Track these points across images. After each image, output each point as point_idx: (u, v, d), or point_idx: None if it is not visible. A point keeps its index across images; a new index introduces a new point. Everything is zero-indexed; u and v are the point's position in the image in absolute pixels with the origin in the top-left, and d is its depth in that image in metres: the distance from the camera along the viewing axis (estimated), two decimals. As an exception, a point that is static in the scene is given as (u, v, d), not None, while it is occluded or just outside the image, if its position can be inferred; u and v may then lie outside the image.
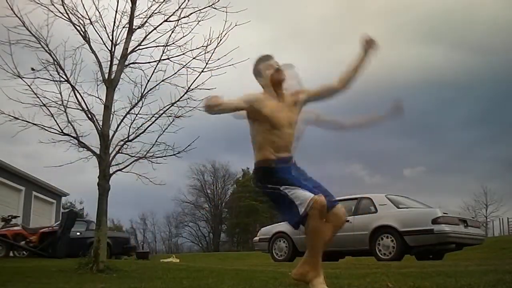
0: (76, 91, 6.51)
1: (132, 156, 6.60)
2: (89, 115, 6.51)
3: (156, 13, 6.68)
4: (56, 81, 6.55)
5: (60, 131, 6.47)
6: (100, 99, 6.57)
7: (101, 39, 6.61)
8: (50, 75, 6.52)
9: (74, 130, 6.50)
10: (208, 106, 2.82)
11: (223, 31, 6.46)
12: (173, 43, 6.63)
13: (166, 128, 6.64)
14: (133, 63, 6.74)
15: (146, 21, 6.68)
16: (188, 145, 6.64)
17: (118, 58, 6.62)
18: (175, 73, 6.63)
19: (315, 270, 3.02)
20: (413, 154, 62.62)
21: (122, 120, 6.61)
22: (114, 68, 6.60)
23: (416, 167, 65.11)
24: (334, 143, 62.94)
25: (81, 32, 6.58)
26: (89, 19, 6.59)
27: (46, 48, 6.44)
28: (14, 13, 6.36)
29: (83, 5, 6.59)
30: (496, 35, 53.70)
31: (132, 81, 6.69)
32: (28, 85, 6.41)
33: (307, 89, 3.23)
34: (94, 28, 6.62)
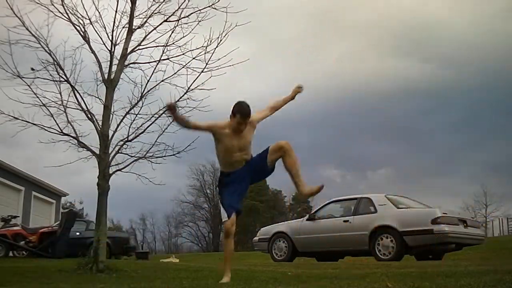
0: (75, 91, 6.51)
1: (132, 156, 6.60)
2: (89, 115, 6.51)
3: (156, 13, 6.68)
4: (56, 81, 6.55)
5: (60, 131, 6.47)
6: (100, 99, 6.57)
7: (101, 39, 6.62)
8: (50, 75, 6.53)
9: (74, 130, 6.50)
10: (176, 119, 4.11)
11: (223, 32, 6.48)
12: (173, 43, 6.64)
13: (166, 128, 6.63)
14: (133, 63, 6.74)
15: (146, 21, 6.69)
16: (188, 145, 6.65)
17: (118, 58, 6.62)
18: (175, 73, 6.64)
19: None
20: (399, 158, 64.39)
21: (121, 120, 6.61)
22: (114, 68, 6.60)
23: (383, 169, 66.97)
24: (325, 148, 64.89)
25: (81, 32, 6.58)
26: (89, 19, 6.60)
27: (46, 48, 6.44)
28: (14, 13, 6.37)
29: (83, 5, 6.61)
30: (462, 49, 55.82)
31: (132, 81, 6.70)
32: (28, 85, 6.41)
33: (256, 116, 4.19)
34: (94, 28, 6.63)
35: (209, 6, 6.53)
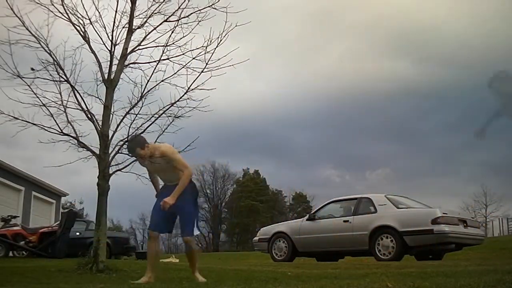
0: (75, 91, 6.51)
1: (132, 156, 6.59)
2: (89, 115, 6.51)
3: (156, 13, 6.68)
4: (56, 81, 6.55)
5: (60, 131, 6.47)
6: (100, 99, 6.57)
7: (101, 39, 6.61)
8: (50, 75, 6.52)
9: (74, 130, 6.50)
10: None
11: (223, 32, 6.47)
12: (173, 43, 6.63)
13: (166, 128, 6.63)
14: (133, 63, 6.74)
15: (146, 21, 6.68)
16: (188, 145, 6.64)
17: (118, 58, 6.62)
18: (175, 73, 6.64)
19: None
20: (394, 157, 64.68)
21: (121, 120, 6.61)
22: (114, 68, 6.60)
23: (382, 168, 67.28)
24: (325, 148, 65.27)
25: (81, 32, 6.57)
26: (89, 19, 6.59)
27: (46, 48, 6.44)
28: (14, 13, 6.36)
29: (83, 5, 6.60)
30: (462, 49, 55.93)
31: (132, 81, 6.69)
32: (28, 85, 6.41)
33: (173, 159, 4.72)
34: (94, 28, 6.62)
35: (209, 6, 6.53)
